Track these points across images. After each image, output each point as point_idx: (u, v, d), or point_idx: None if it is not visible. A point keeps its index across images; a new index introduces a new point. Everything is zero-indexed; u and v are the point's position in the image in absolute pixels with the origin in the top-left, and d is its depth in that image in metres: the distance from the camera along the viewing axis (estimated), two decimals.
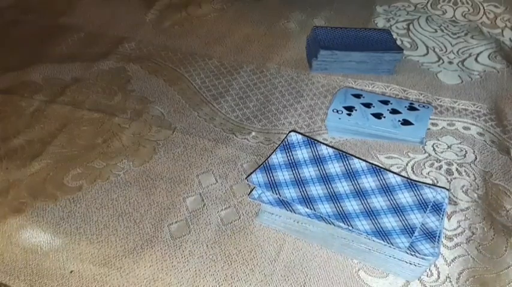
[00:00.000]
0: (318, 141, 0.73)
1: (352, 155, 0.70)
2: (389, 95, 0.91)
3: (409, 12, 1.15)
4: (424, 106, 0.84)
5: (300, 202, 0.63)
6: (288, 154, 0.71)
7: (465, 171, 0.75)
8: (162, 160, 0.77)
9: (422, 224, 0.61)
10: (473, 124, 0.84)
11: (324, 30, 1.00)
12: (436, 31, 1.09)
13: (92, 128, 0.83)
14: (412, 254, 0.57)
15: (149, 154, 0.78)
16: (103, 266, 0.62)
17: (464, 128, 0.83)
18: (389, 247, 0.58)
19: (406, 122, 0.80)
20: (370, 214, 0.62)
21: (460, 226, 0.66)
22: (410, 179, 0.67)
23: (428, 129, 0.82)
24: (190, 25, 1.13)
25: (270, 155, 0.71)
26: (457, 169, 0.75)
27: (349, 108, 0.82)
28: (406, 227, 0.60)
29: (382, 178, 0.67)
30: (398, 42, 1.04)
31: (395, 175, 0.67)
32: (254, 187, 0.66)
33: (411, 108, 0.83)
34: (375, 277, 0.61)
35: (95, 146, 0.79)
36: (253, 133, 0.83)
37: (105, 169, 0.75)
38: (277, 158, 0.70)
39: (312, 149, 0.71)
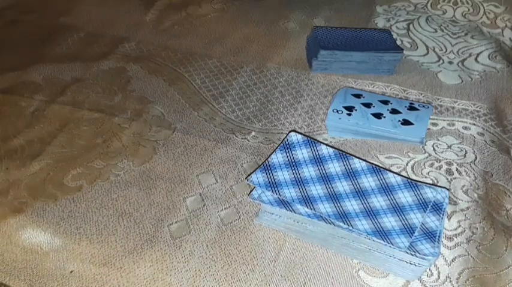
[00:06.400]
0: (318, 141, 0.73)
1: (352, 155, 0.70)
2: (389, 95, 0.91)
3: (409, 12, 1.15)
4: (424, 106, 0.84)
5: (300, 202, 0.63)
6: (288, 154, 0.71)
7: (465, 171, 0.75)
8: (162, 160, 0.77)
9: (423, 223, 0.61)
10: (473, 124, 0.84)
11: (324, 30, 1.00)
12: (436, 31, 1.09)
13: (92, 128, 0.83)
14: (412, 254, 0.57)
15: (149, 154, 0.78)
16: (103, 266, 0.62)
17: (464, 128, 0.83)
18: (389, 246, 0.58)
19: (406, 122, 0.80)
20: (370, 213, 0.62)
21: (460, 225, 0.66)
22: (411, 179, 0.67)
23: (428, 129, 0.82)
24: (190, 25, 1.13)
25: (270, 155, 0.71)
26: (457, 169, 0.75)
27: (349, 108, 0.82)
28: (406, 227, 0.60)
29: (382, 177, 0.67)
30: (398, 42, 1.04)
31: (395, 175, 0.67)
32: (254, 187, 0.66)
33: (411, 108, 0.83)
34: (375, 277, 0.61)
35: (95, 146, 0.79)
36: (253, 133, 0.83)
37: (105, 169, 0.75)
38: (277, 158, 0.70)
39: (312, 149, 0.71)
